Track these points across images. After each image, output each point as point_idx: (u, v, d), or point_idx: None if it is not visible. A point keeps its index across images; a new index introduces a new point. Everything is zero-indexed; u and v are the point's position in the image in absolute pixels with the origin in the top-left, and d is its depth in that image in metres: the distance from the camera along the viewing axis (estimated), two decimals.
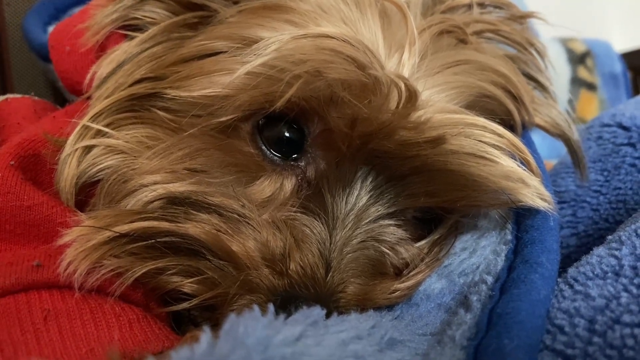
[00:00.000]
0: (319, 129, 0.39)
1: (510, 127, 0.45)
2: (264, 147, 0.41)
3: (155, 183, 0.39)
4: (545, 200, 0.40)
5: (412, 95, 0.36)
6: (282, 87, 0.35)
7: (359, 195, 0.40)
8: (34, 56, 0.66)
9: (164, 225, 0.36)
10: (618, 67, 1.23)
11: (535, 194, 0.40)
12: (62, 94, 0.57)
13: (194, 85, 0.39)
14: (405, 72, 0.39)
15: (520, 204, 0.40)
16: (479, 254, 0.41)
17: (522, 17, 0.51)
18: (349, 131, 0.37)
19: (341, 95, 0.35)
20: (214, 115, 0.39)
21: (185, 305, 0.37)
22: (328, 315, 0.32)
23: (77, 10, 0.58)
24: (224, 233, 0.37)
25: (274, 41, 0.36)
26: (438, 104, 0.39)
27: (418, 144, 0.37)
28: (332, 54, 0.35)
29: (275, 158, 0.41)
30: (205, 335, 0.26)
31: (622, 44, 1.42)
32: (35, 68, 0.76)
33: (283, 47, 0.36)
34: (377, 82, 0.35)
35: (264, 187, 0.41)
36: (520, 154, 0.40)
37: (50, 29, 0.61)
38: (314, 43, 0.35)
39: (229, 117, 0.38)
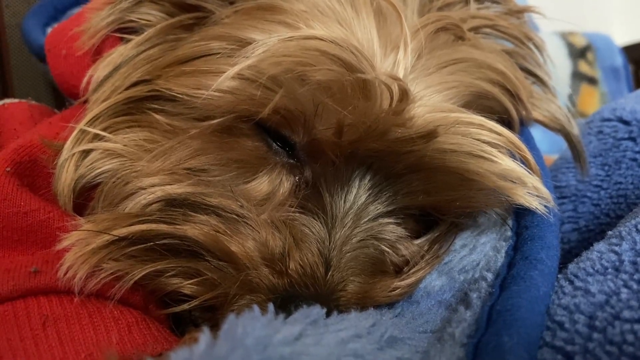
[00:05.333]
0: (306, 139, 0.39)
1: (509, 124, 0.44)
2: (268, 139, 0.40)
3: (153, 185, 0.39)
4: (543, 199, 0.40)
5: (403, 95, 0.36)
6: (265, 93, 0.35)
7: (358, 194, 0.40)
8: (33, 57, 0.66)
9: (163, 227, 0.36)
10: (619, 60, 1.23)
11: (532, 193, 0.39)
12: (63, 96, 0.57)
13: (186, 83, 0.39)
14: (400, 73, 0.38)
15: (516, 204, 0.40)
16: (479, 250, 0.41)
17: (519, 12, 0.51)
18: (337, 140, 0.37)
19: (325, 102, 0.35)
20: (209, 117, 0.39)
21: (185, 306, 0.37)
22: (328, 314, 0.32)
23: (76, 10, 0.58)
24: (222, 234, 0.37)
25: (262, 44, 0.36)
26: (432, 103, 0.39)
27: (411, 139, 0.37)
28: (318, 55, 0.35)
29: (280, 149, 0.41)
30: (204, 335, 0.26)
31: (623, 37, 1.41)
32: (35, 69, 0.76)
33: (270, 49, 0.36)
34: (364, 84, 0.35)
35: (263, 184, 0.41)
36: (519, 151, 0.40)
37: (49, 30, 0.61)
38: (301, 45, 0.35)
39: (222, 119, 0.38)
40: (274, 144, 0.41)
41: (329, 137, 0.37)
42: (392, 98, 0.35)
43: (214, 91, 0.37)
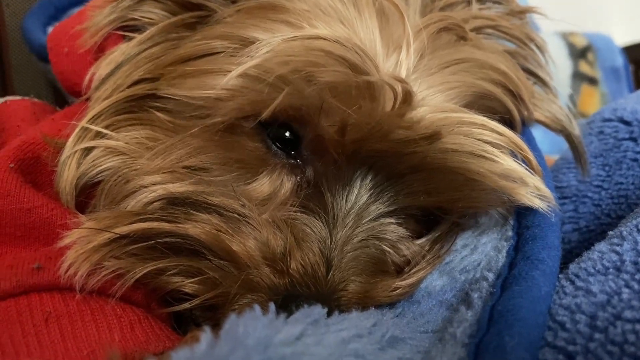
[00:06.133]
0: (311, 135, 0.39)
1: (510, 125, 0.44)
2: (268, 140, 0.40)
3: (154, 184, 0.39)
4: (544, 199, 0.40)
5: (407, 96, 0.36)
6: (272, 92, 0.35)
7: (359, 194, 0.40)
8: (34, 57, 0.66)
9: (164, 226, 0.36)
10: (619, 60, 1.23)
11: (534, 193, 0.39)
12: (63, 95, 0.57)
13: (189, 84, 0.39)
14: (403, 73, 0.38)
15: (519, 203, 0.40)
16: (480, 250, 0.41)
17: (521, 12, 0.51)
18: (340, 138, 0.37)
19: (330, 102, 0.35)
20: (211, 115, 0.39)
21: (186, 305, 0.37)
22: (329, 314, 0.32)
23: (76, 10, 0.58)
24: (224, 233, 0.37)
25: (266, 44, 0.36)
26: (435, 103, 0.39)
27: (414, 140, 0.37)
28: (324, 56, 0.35)
29: (279, 151, 0.41)
30: (205, 335, 0.26)
31: (623, 37, 1.41)
32: (35, 69, 0.76)
33: (274, 49, 0.35)
34: (369, 85, 0.35)
35: (264, 185, 0.41)
36: (521, 151, 0.40)
37: (50, 29, 0.61)
38: (305, 45, 0.35)
39: (225, 118, 0.38)
40: (275, 144, 0.41)
41: (332, 134, 0.37)
42: (395, 99, 0.35)
43: (219, 90, 0.37)
